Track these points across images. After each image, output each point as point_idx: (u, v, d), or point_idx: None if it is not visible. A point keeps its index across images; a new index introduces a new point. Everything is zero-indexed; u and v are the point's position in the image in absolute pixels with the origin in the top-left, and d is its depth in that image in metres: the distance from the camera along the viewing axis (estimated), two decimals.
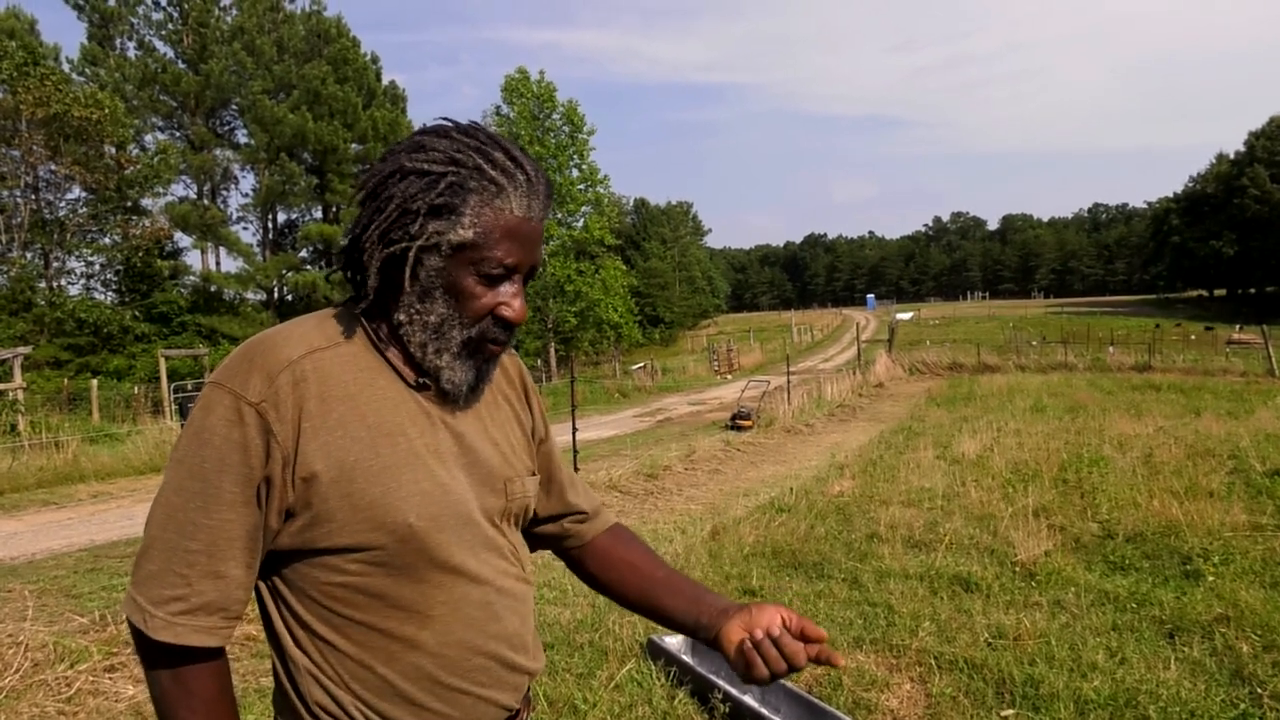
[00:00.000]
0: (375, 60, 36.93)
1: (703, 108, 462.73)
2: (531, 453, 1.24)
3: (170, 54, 33.30)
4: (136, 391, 20.33)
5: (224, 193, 36.29)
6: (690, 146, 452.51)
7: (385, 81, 37.50)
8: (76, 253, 28.47)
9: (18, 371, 16.08)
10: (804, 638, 1.09)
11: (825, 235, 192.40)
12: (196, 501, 0.96)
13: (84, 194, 27.30)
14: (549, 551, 1.37)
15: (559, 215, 31.97)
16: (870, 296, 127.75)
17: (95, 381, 20.07)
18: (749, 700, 3.29)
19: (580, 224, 32.34)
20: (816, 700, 3.25)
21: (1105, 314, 70.46)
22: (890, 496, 7.50)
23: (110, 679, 3.90)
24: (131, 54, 32.76)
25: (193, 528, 0.96)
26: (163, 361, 19.47)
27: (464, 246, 1.01)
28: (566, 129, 31.91)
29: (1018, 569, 5.16)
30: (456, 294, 1.03)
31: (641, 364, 33.42)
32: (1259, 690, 3.39)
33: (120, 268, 29.82)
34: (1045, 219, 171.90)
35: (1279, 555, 5.18)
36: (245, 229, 36.78)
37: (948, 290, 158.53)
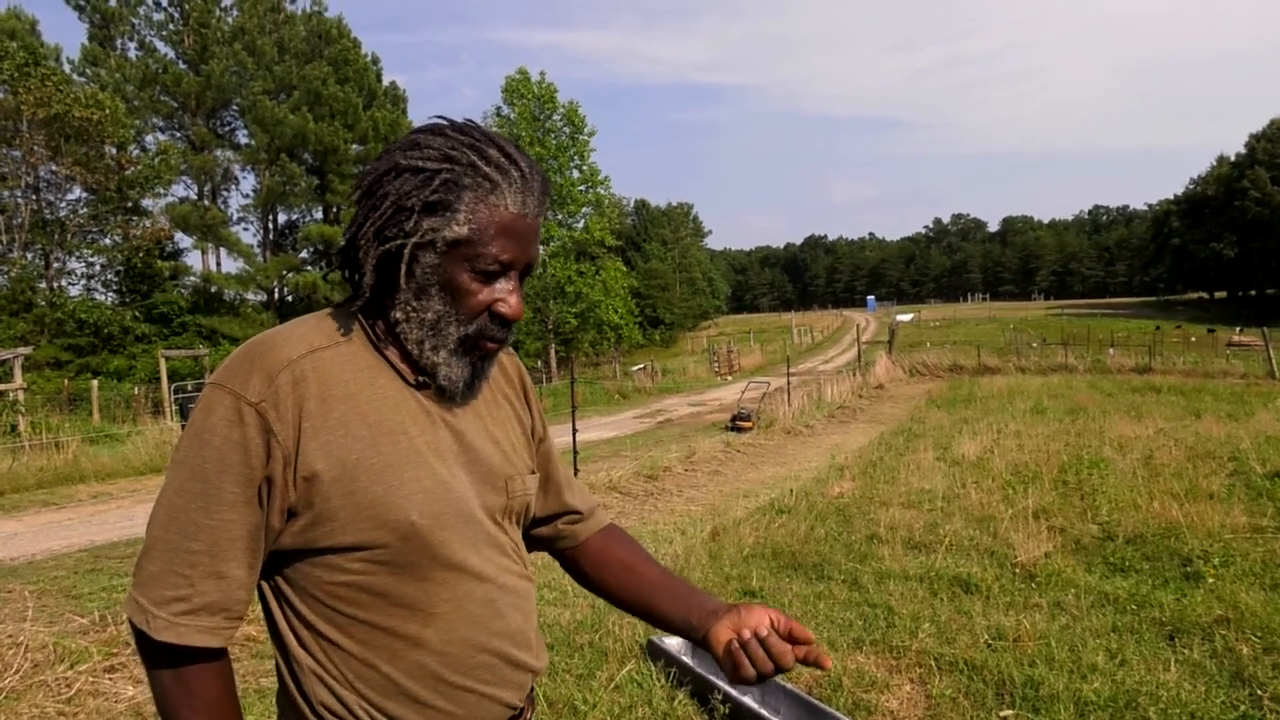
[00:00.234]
0: (376, 61, 36.96)
1: (703, 108, 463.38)
2: (531, 451, 1.25)
3: (171, 54, 33.36)
4: (137, 392, 20.34)
5: (224, 193, 36.35)
6: (690, 147, 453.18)
7: (386, 82, 37.53)
8: (77, 253, 28.50)
9: (18, 372, 16.08)
10: (791, 639, 1.09)
11: (825, 236, 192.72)
12: (198, 502, 0.96)
13: (84, 194, 27.33)
14: (547, 552, 1.37)
15: (559, 216, 31.99)
16: (870, 298, 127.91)
17: (95, 382, 20.07)
18: (748, 701, 3.29)
19: (581, 225, 32.34)
20: (816, 701, 3.25)
21: (1106, 316, 70.50)
22: (890, 498, 7.50)
23: (110, 680, 3.90)
24: (132, 54, 32.80)
25: (194, 528, 0.96)
26: (163, 362, 19.46)
27: (459, 243, 1.01)
28: (567, 130, 31.92)
29: (1018, 570, 5.16)
30: (452, 291, 1.03)
31: (642, 365, 33.42)
32: (1259, 692, 3.38)
33: (121, 268, 29.84)
34: (1046, 221, 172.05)
35: (1279, 557, 5.18)
36: (246, 230, 36.84)
37: (948, 292, 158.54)
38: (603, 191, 33.21)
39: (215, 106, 34.03)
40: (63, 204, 27.66)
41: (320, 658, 1.02)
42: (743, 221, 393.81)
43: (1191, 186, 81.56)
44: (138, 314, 28.18)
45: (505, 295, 1.05)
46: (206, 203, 34.19)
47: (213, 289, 33.44)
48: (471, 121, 1.09)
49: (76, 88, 26.17)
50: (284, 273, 35.08)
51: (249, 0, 33.43)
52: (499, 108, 32.02)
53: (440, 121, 1.08)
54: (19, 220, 25.88)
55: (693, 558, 5.79)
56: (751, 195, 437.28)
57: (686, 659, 3.72)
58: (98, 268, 29.92)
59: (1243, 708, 3.29)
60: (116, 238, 28.68)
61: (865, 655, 3.93)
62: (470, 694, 1.06)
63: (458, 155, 1.02)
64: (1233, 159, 75.93)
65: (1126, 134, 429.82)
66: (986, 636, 4.07)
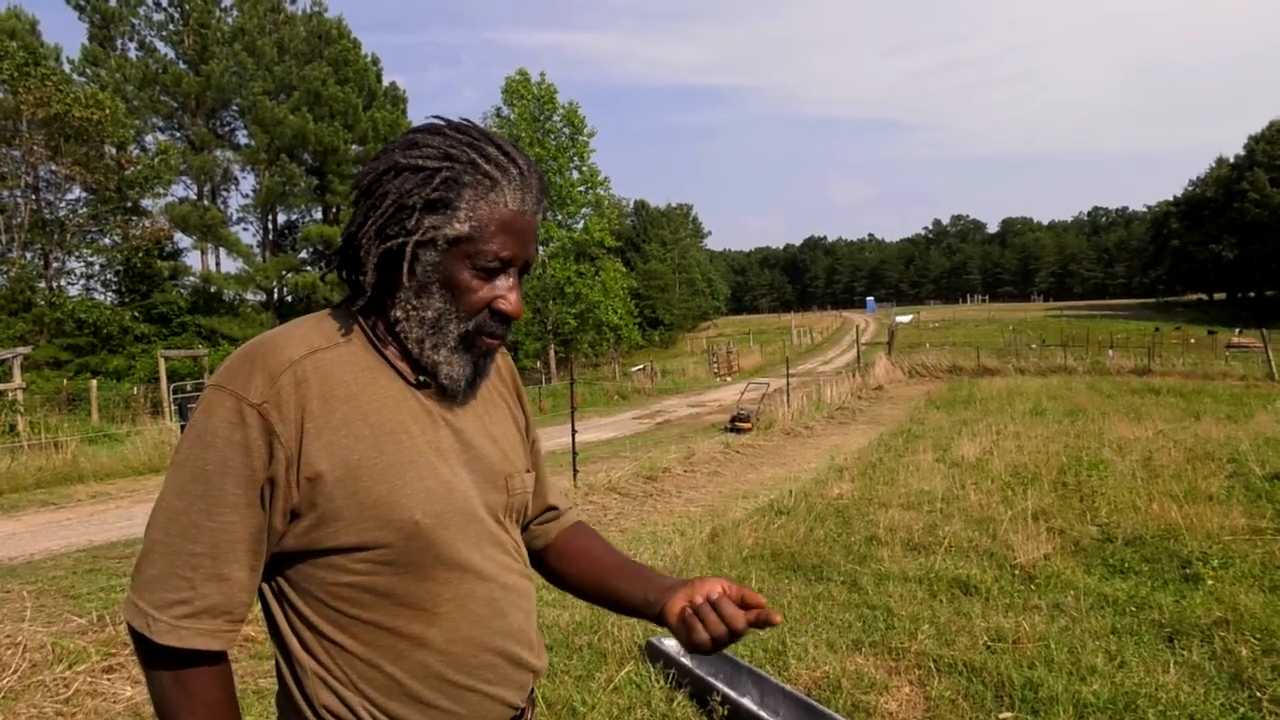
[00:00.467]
0: (376, 62, 36.96)
1: (702, 110, 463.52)
2: (527, 450, 1.26)
3: (171, 55, 33.34)
4: (136, 392, 20.32)
5: (224, 193, 36.34)
6: (690, 148, 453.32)
7: (386, 83, 37.54)
8: (76, 253, 28.48)
9: (17, 372, 16.06)
10: (744, 605, 1.10)
11: (825, 238, 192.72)
12: (199, 504, 0.96)
13: (84, 194, 27.31)
14: None
15: (559, 217, 31.99)
16: (870, 299, 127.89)
17: (95, 382, 20.07)
18: (747, 703, 3.29)
19: (580, 226, 32.35)
20: (815, 703, 3.24)
21: (1105, 317, 70.53)
22: (889, 499, 7.50)
23: (108, 680, 3.89)
24: (132, 55, 32.79)
25: (195, 530, 0.96)
26: (162, 362, 19.44)
27: (460, 240, 1.02)
28: (567, 131, 31.93)
29: (1017, 572, 5.16)
30: (453, 288, 1.03)
31: (641, 366, 33.42)
32: (1258, 694, 3.38)
33: (120, 268, 29.83)
34: (1045, 222, 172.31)
35: (1278, 559, 5.18)
36: (245, 230, 36.83)
37: (947, 293, 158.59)
38: (602, 192, 33.23)
39: (215, 107, 34.03)
40: (62, 204, 27.68)
41: (323, 659, 1.02)
42: (742, 222, 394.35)
43: (1191, 188, 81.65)
44: (137, 314, 28.15)
45: (505, 292, 1.06)
46: (206, 203, 34.19)
47: (212, 289, 33.43)
48: (469, 120, 1.09)
49: (76, 88, 26.17)
50: (283, 273, 35.08)
51: (249, 1, 33.43)
52: (499, 108, 32.05)
53: (438, 121, 1.08)
54: (18, 220, 25.88)
55: (692, 559, 5.79)
56: (751, 196, 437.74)
57: (686, 660, 3.72)
58: (97, 267, 29.94)
59: (1242, 710, 3.29)
60: (116, 238, 28.66)
61: (864, 657, 3.92)
62: (474, 693, 1.06)
63: (457, 153, 1.03)
64: (1232, 161, 76.01)
65: (1126, 135, 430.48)
66: (986, 638, 4.07)
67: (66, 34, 51.40)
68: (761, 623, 1.09)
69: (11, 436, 13.06)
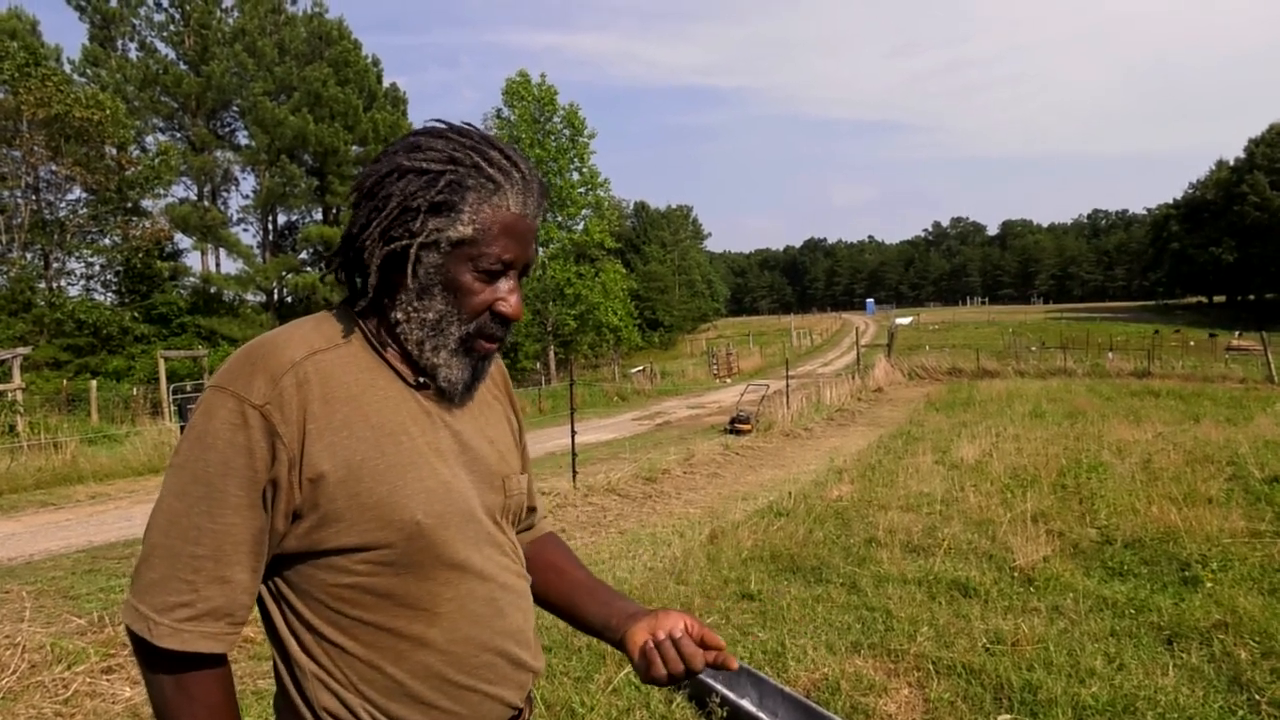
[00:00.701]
0: (376, 63, 36.99)
1: (702, 111, 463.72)
2: (519, 453, 1.27)
3: (172, 55, 33.36)
4: (135, 393, 20.31)
5: (224, 194, 36.36)
6: (690, 150, 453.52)
7: (386, 84, 37.58)
8: (76, 253, 28.48)
9: (17, 372, 16.05)
10: (703, 645, 1.11)
11: (825, 239, 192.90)
12: (201, 506, 0.95)
13: (84, 195, 27.32)
14: None
15: (559, 218, 32.00)
16: (870, 301, 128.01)
17: (94, 382, 20.07)
18: (746, 705, 3.29)
19: (580, 227, 32.37)
20: (814, 705, 3.24)
21: (1105, 320, 70.52)
22: (889, 501, 7.50)
23: (107, 680, 3.89)
24: (133, 55, 32.80)
25: (197, 532, 0.95)
26: (162, 363, 19.43)
27: (463, 243, 1.03)
28: (567, 132, 31.96)
29: (1016, 574, 5.16)
30: (455, 290, 1.04)
31: (641, 367, 33.42)
32: (1257, 697, 3.38)
33: (120, 269, 29.83)
34: (1045, 224, 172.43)
35: (1277, 562, 5.18)
36: (245, 230, 36.86)
37: (947, 295, 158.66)
38: (602, 194, 33.25)
39: (215, 107, 34.04)
40: (62, 204, 27.69)
41: (324, 661, 1.02)
42: (742, 224, 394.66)
43: (1190, 191, 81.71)
44: (137, 314, 28.15)
45: (506, 295, 1.07)
46: (206, 203, 34.19)
47: (212, 290, 33.43)
48: (470, 124, 1.10)
49: (77, 88, 26.18)
50: (283, 274, 35.08)
51: (250, 1, 33.45)
52: (499, 109, 32.07)
53: (439, 124, 1.09)
54: (19, 220, 25.88)
55: (691, 560, 5.79)
56: (751, 198, 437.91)
57: None
58: (97, 268, 29.95)
59: (1241, 712, 3.29)
60: (116, 238, 28.66)
61: (863, 658, 3.92)
62: (474, 693, 1.07)
63: (461, 157, 1.04)
64: (1232, 163, 76.08)
65: (1125, 137, 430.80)
66: (985, 640, 4.07)
67: (67, 34, 51.69)
68: (719, 665, 1.10)
69: (11, 437, 13.06)
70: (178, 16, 33.28)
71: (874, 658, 3.94)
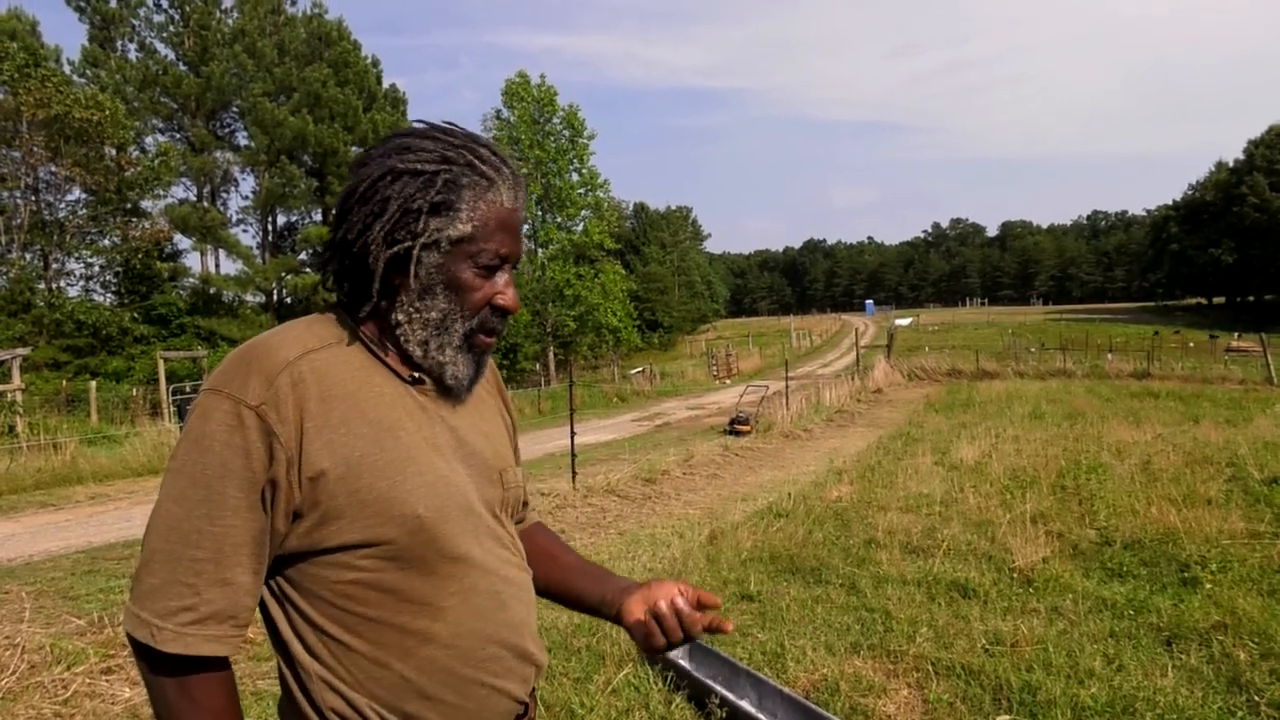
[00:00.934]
0: (376, 63, 36.99)
1: (702, 112, 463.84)
2: (513, 447, 1.28)
3: (171, 56, 33.35)
4: (135, 393, 20.30)
5: (224, 195, 36.34)
6: (690, 151, 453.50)
7: (386, 85, 37.58)
8: (76, 254, 28.46)
9: (16, 373, 16.06)
10: (700, 606, 1.16)
11: (824, 241, 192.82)
12: (200, 509, 0.95)
13: (84, 195, 27.31)
14: None
15: (559, 219, 32.02)
16: (869, 302, 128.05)
17: (94, 383, 20.07)
18: (746, 705, 3.29)
19: (580, 228, 32.41)
20: (813, 705, 3.24)
21: (1104, 321, 70.53)
22: (888, 502, 7.50)
23: (107, 681, 3.89)
24: (132, 56, 32.79)
25: (198, 536, 0.95)
26: (161, 363, 19.44)
27: (463, 240, 1.05)
28: (567, 133, 32.01)
29: (1015, 575, 5.16)
30: (457, 288, 1.06)
31: (640, 368, 33.41)
32: (1256, 698, 3.39)
33: (119, 269, 29.81)
34: (1044, 225, 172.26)
35: (1276, 563, 5.18)
36: (245, 231, 36.84)
37: (947, 296, 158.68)
38: (602, 195, 33.32)
39: (215, 108, 34.04)
40: (62, 205, 27.68)
41: (329, 662, 1.02)
42: (742, 225, 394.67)
43: (1190, 192, 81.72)
44: (136, 315, 28.14)
45: (504, 288, 1.09)
46: (206, 204, 34.18)
47: (211, 290, 33.41)
48: (452, 123, 1.12)
49: (76, 89, 26.17)
50: (283, 275, 35.07)
51: (249, 2, 33.45)
52: (499, 110, 32.14)
53: (422, 125, 1.10)
54: (18, 221, 25.86)
55: (690, 561, 5.79)
56: (750, 199, 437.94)
57: (684, 663, 3.72)
58: (97, 269, 29.92)
59: (1240, 713, 3.29)
60: (115, 239, 28.65)
61: (863, 659, 3.93)
62: (481, 687, 1.07)
63: (454, 156, 1.05)
64: (1231, 165, 76.09)
65: (1125, 139, 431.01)
66: (984, 641, 4.07)
67: (67, 35, 51.75)
68: (715, 629, 1.15)
69: (10, 438, 13.05)
70: (177, 17, 33.28)
71: (873, 659, 3.95)
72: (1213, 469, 8.39)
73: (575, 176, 32.26)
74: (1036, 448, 10.29)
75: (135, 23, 32.82)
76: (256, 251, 35.81)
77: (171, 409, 17.60)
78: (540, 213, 32.25)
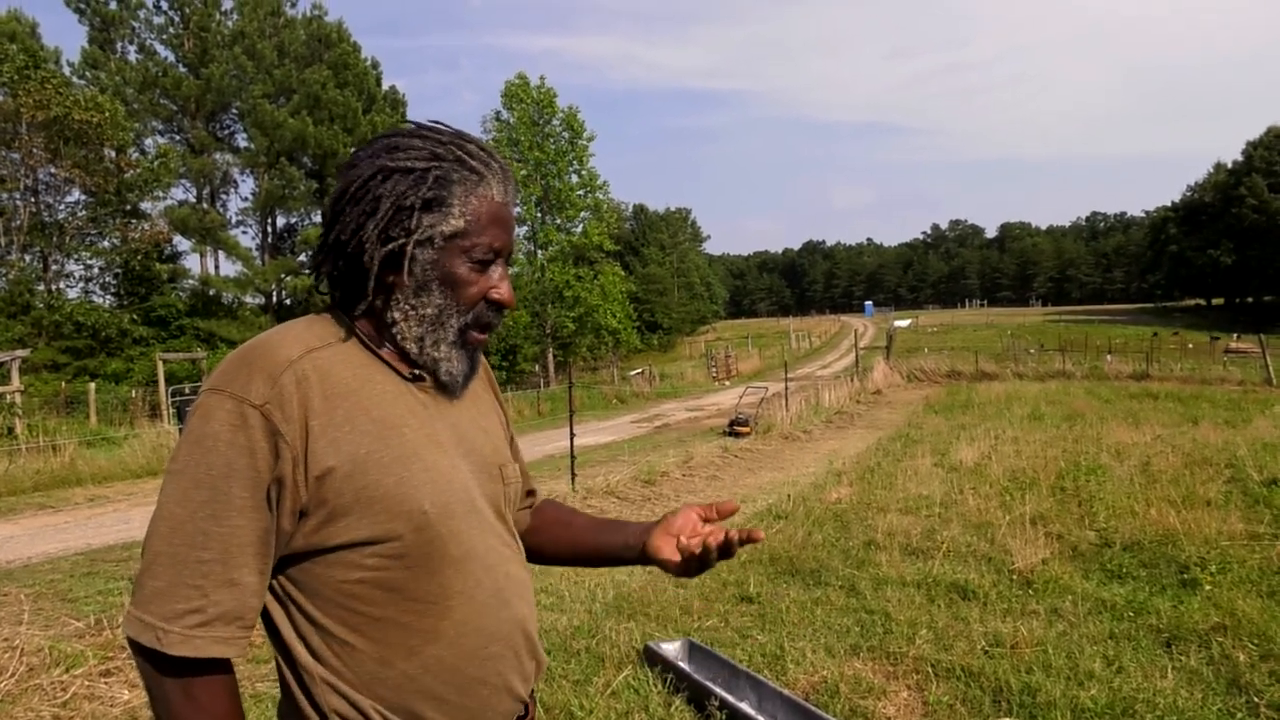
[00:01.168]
0: (376, 65, 37.00)
1: (702, 114, 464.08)
2: (508, 443, 1.29)
3: (171, 58, 33.34)
4: (134, 395, 20.30)
5: (223, 196, 36.31)
6: (689, 152, 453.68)
7: (385, 86, 37.56)
8: (75, 256, 28.45)
9: (15, 374, 16.05)
10: (721, 515, 1.23)
11: (824, 242, 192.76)
12: (205, 510, 0.95)
13: (83, 197, 27.30)
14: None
15: (558, 221, 32.03)
16: (868, 303, 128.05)
17: (93, 385, 20.06)
18: (745, 708, 3.29)
19: (579, 229, 32.42)
20: (813, 707, 3.24)
21: (1103, 322, 70.53)
22: (888, 504, 7.50)
23: (106, 684, 3.88)
24: (132, 57, 32.79)
25: (203, 537, 0.94)
26: (161, 365, 19.44)
27: (456, 235, 1.06)
28: (566, 135, 32.04)
29: (1015, 577, 5.16)
30: (452, 283, 1.07)
31: (640, 370, 33.40)
32: (1256, 699, 3.39)
33: (119, 271, 29.81)
34: (1043, 227, 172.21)
35: (1276, 564, 5.18)
36: (244, 233, 36.86)
37: (946, 298, 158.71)
38: (601, 196, 33.32)
39: (215, 110, 34.03)
40: (61, 206, 27.67)
41: (332, 663, 1.01)
42: (741, 227, 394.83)
43: (1189, 193, 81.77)
44: (135, 317, 28.13)
45: (498, 282, 1.10)
46: (205, 206, 34.17)
47: (211, 292, 33.41)
48: (438, 121, 1.13)
49: (76, 90, 26.16)
50: (282, 276, 35.05)
51: (249, 4, 33.45)
52: (498, 112, 32.18)
53: (410, 125, 1.11)
54: (18, 222, 25.85)
55: None
56: (750, 200, 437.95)
57: (683, 665, 3.72)
58: (96, 270, 29.92)
59: (1239, 715, 3.29)
60: (115, 240, 28.64)
61: (862, 661, 3.92)
62: (484, 686, 1.07)
63: (443, 152, 1.07)
64: (1230, 166, 76.12)
65: (1124, 140, 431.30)
66: (984, 643, 4.07)
67: (66, 37, 51.61)
68: (746, 540, 1.17)
69: (9, 439, 13.05)
70: (177, 19, 33.28)
71: (873, 660, 3.94)
72: (1212, 470, 8.39)
73: (575, 178, 32.28)
74: (1036, 449, 10.30)
75: (135, 24, 32.82)
76: (256, 253, 35.81)
77: (171, 411, 17.60)
78: (540, 214, 32.26)
